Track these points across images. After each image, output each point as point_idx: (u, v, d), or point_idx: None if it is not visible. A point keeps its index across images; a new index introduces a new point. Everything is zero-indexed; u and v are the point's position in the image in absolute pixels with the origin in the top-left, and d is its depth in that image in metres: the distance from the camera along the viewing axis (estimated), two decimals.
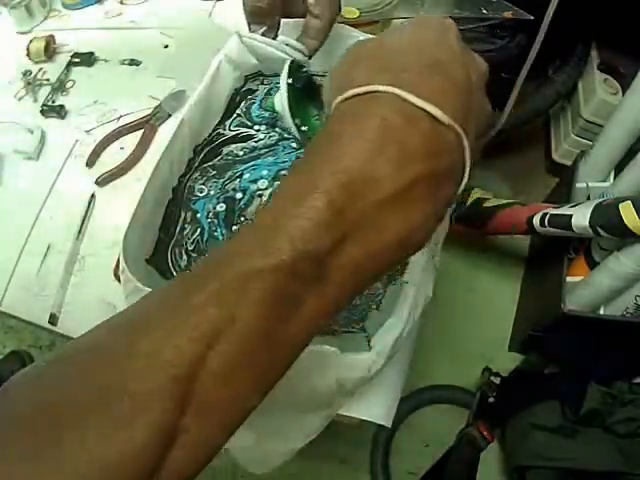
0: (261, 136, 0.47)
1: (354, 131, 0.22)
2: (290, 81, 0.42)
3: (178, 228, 0.43)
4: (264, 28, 0.44)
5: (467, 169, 0.25)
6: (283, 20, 0.44)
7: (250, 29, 0.45)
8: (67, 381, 0.20)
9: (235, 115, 0.48)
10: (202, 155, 0.46)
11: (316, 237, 0.20)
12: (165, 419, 0.18)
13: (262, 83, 0.49)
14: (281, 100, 0.42)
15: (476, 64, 0.27)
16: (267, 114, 0.47)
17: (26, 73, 0.67)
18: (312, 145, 0.24)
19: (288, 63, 0.43)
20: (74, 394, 0.19)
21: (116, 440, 0.18)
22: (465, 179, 0.25)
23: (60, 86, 0.66)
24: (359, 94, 0.24)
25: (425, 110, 0.23)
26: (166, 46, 0.68)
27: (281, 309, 0.20)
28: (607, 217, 0.85)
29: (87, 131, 0.63)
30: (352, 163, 0.21)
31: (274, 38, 0.44)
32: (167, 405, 0.18)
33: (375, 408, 0.46)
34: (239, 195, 0.45)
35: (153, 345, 0.19)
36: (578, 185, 1.12)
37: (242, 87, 0.49)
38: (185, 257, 0.42)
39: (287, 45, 0.43)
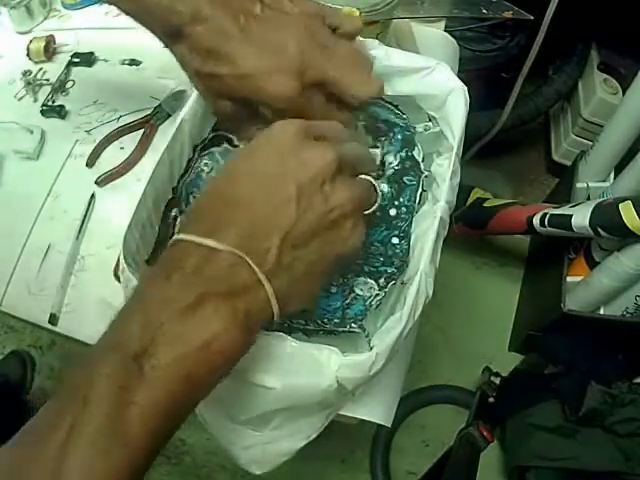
0: None
1: (158, 267, 0.30)
2: None
3: (178, 228, 0.43)
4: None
5: (264, 282, 0.29)
6: None
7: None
8: None
9: None
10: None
11: (129, 341, 0.27)
12: None
13: None
14: None
15: (303, 169, 0.31)
16: None
17: (26, 73, 0.67)
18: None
19: None
20: None
21: None
22: (267, 288, 0.30)
23: (60, 86, 0.66)
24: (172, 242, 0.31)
25: (201, 244, 0.29)
26: (166, 46, 0.68)
27: (118, 394, 0.25)
28: (607, 217, 0.85)
29: (87, 131, 0.63)
30: (147, 295, 0.29)
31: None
32: None
33: (375, 408, 0.46)
34: None
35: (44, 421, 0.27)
36: (578, 185, 1.12)
37: None
38: None
39: None
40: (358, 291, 0.43)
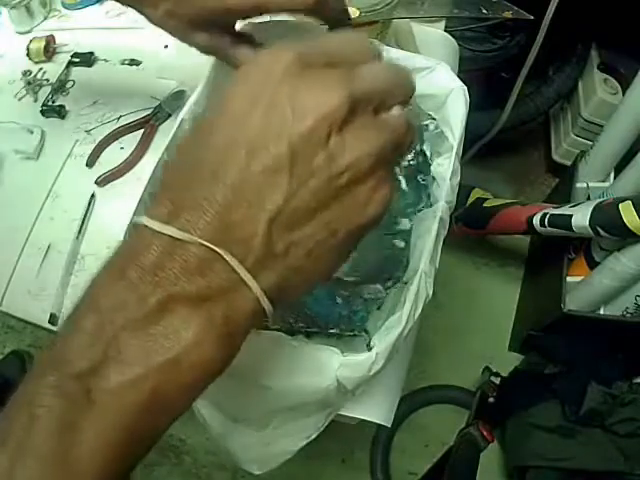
0: None
1: (113, 258, 0.24)
2: None
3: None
4: None
5: (247, 279, 0.23)
6: None
7: None
8: None
9: None
10: None
11: (75, 357, 0.22)
12: None
13: None
14: None
15: (298, 120, 0.22)
16: None
17: (26, 73, 0.67)
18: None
19: None
20: None
21: None
22: (252, 287, 0.23)
23: (60, 86, 0.66)
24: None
25: (162, 233, 0.22)
26: (166, 46, 0.67)
27: (61, 431, 0.21)
28: (607, 217, 0.85)
29: (87, 131, 0.63)
30: (99, 296, 0.23)
31: None
32: None
33: (375, 408, 0.46)
34: None
35: None
36: (578, 185, 1.12)
37: None
38: None
39: None
40: (366, 296, 0.42)
